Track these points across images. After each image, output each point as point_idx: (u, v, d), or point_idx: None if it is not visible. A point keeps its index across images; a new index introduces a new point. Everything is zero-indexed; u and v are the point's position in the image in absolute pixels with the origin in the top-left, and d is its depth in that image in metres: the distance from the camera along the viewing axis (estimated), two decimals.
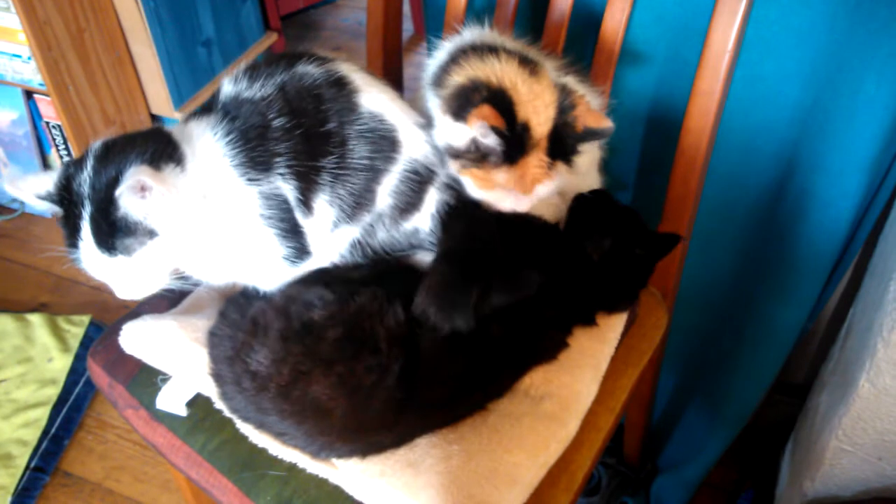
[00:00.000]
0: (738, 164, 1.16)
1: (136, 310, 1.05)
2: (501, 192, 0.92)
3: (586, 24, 1.13)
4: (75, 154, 2.01)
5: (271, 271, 0.91)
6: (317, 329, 0.84)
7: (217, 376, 0.89)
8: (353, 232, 0.92)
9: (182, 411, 0.95)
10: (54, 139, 2.07)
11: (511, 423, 0.89)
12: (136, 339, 0.96)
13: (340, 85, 0.87)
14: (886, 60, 0.97)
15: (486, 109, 0.86)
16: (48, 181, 0.80)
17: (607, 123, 0.92)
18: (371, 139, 0.88)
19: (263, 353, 0.83)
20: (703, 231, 1.21)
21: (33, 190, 0.80)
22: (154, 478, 1.60)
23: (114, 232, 0.78)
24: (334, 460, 0.87)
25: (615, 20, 1.06)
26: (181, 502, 1.55)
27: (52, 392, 1.71)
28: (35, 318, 1.85)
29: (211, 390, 0.91)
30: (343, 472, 0.86)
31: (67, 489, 1.59)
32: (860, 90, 1.00)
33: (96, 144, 0.82)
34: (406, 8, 2.58)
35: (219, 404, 0.91)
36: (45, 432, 1.65)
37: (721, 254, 1.27)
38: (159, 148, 0.81)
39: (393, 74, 1.30)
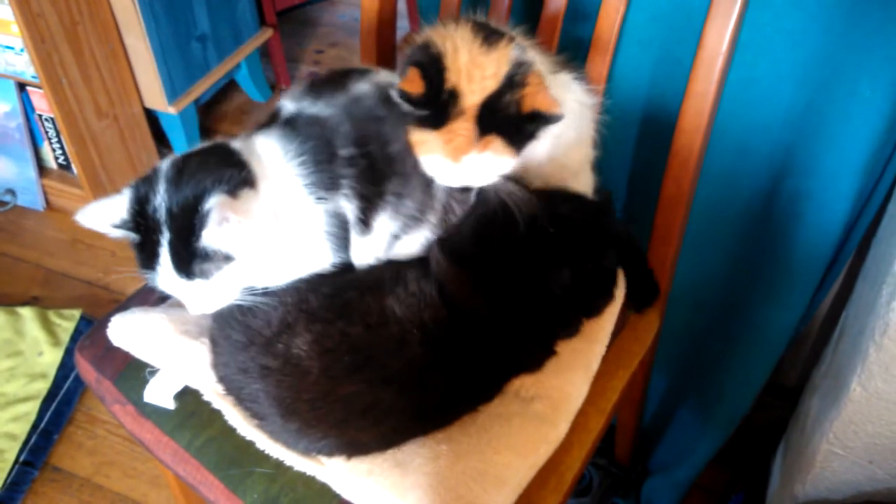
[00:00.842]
0: (731, 165, 1.15)
1: (126, 302, 1.04)
2: (438, 158, 0.89)
3: (581, 23, 1.13)
4: (68, 147, 2.00)
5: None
6: (316, 281, 0.88)
7: (213, 339, 0.90)
8: (415, 241, 0.94)
9: (170, 404, 0.95)
10: (47, 132, 2.06)
11: (500, 424, 0.88)
12: (124, 331, 0.96)
13: (392, 102, 0.89)
14: (881, 63, 0.97)
15: (410, 73, 0.85)
16: (120, 208, 0.80)
17: (557, 109, 0.88)
18: None
19: (261, 307, 0.86)
20: (695, 232, 1.21)
21: (108, 221, 0.80)
22: (143, 473, 1.59)
23: (193, 259, 0.79)
24: (322, 458, 0.86)
25: (609, 20, 1.06)
26: (170, 498, 1.54)
27: (42, 386, 1.70)
28: (26, 312, 1.84)
29: (200, 377, 0.91)
30: (330, 470, 0.85)
31: (56, 484, 1.58)
32: (854, 93, 1.00)
33: (165, 166, 0.82)
34: (402, 6, 2.57)
35: (205, 391, 0.91)
36: (35, 427, 1.64)
37: (714, 255, 1.26)
38: (234, 172, 0.81)
39: None
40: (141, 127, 2.19)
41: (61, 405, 1.69)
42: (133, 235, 0.80)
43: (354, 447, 0.85)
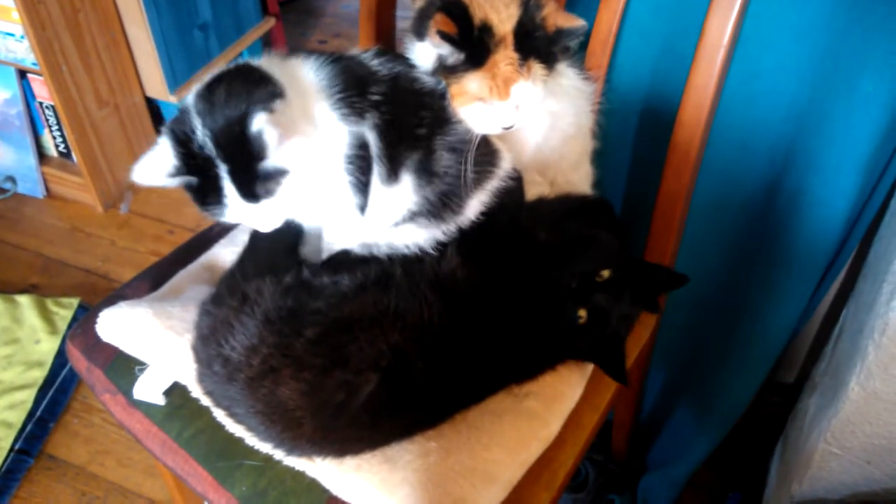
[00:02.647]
0: (733, 160, 1.14)
1: (116, 294, 1.03)
2: (481, 105, 0.89)
3: (581, 12, 1.12)
4: (68, 135, 1.99)
5: (345, 218, 0.91)
6: (298, 321, 0.82)
7: (195, 353, 0.87)
8: (423, 235, 0.92)
9: (159, 400, 0.94)
10: (47, 119, 2.05)
11: (492, 421, 0.87)
12: (112, 327, 0.95)
13: (444, 96, 0.89)
14: (884, 58, 0.95)
15: (438, 17, 0.84)
16: (167, 157, 0.79)
17: (579, 21, 0.89)
18: (461, 151, 0.89)
19: (239, 337, 0.82)
20: (696, 228, 1.20)
21: (162, 172, 0.79)
22: (138, 462, 1.59)
23: (255, 181, 0.78)
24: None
25: (610, 11, 1.04)
26: (165, 488, 1.54)
27: (39, 374, 1.70)
28: (24, 300, 1.83)
29: (188, 374, 0.90)
30: (319, 465, 0.85)
31: (51, 472, 1.58)
32: (857, 88, 0.98)
33: (191, 101, 0.80)
34: None
35: (194, 388, 0.90)
36: (31, 415, 1.64)
37: (713, 251, 1.25)
38: (262, 88, 0.80)
39: None
40: (142, 115, 2.18)
41: (57, 393, 1.69)
42: (190, 179, 0.79)
43: (346, 453, 0.84)
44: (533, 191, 1.04)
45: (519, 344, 0.90)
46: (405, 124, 0.87)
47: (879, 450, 1.08)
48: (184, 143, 0.78)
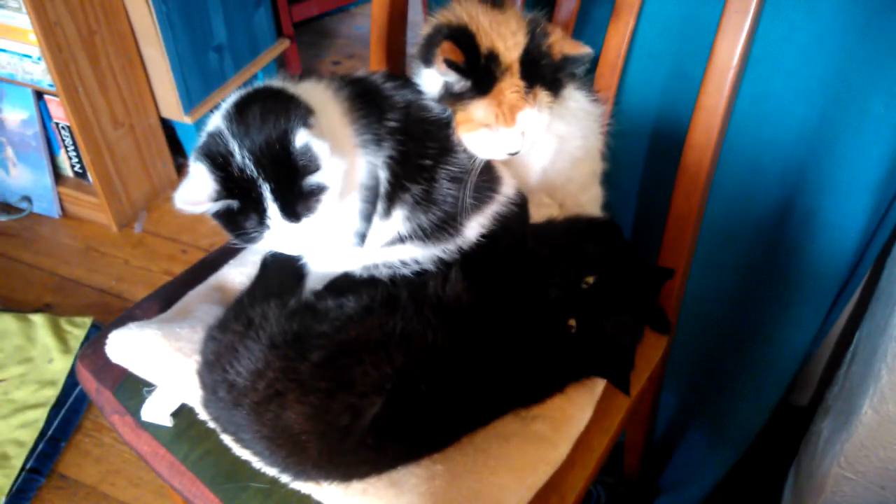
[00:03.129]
0: (744, 182, 1.13)
1: (126, 314, 1.04)
2: (487, 132, 0.89)
3: (591, 33, 1.12)
4: (83, 156, 2.01)
5: (337, 245, 0.91)
6: (303, 345, 0.82)
7: (200, 379, 0.87)
8: (420, 253, 0.93)
9: (167, 422, 0.94)
10: (63, 140, 2.07)
11: (499, 444, 0.87)
12: (121, 348, 0.96)
13: (448, 126, 0.90)
14: (894, 78, 0.94)
15: (445, 45, 0.85)
16: (206, 183, 0.78)
17: (585, 49, 0.90)
18: (461, 180, 0.90)
19: (245, 362, 0.82)
20: (707, 250, 1.19)
21: (204, 198, 0.77)
22: (149, 482, 1.59)
23: (298, 199, 0.78)
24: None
25: (619, 34, 1.05)
26: None
27: (52, 393, 1.70)
28: (38, 319, 1.85)
29: (195, 396, 0.90)
30: (326, 489, 0.84)
31: (62, 492, 1.58)
32: (868, 110, 0.98)
33: (223, 126, 0.80)
34: (419, 16, 2.57)
35: (200, 411, 0.90)
36: (43, 434, 1.64)
37: (725, 273, 1.24)
38: (294, 106, 0.80)
39: None
40: (157, 136, 2.20)
41: (69, 413, 1.69)
42: (231, 202, 0.78)
43: (352, 477, 0.84)
44: (542, 213, 1.04)
45: (524, 366, 0.89)
46: (414, 155, 0.88)
47: (894, 475, 1.07)
48: (222, 166, 0.78)
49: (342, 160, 0.80)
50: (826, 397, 1.27)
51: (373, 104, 0.88)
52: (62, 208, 2.20)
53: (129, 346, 0.95)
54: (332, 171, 0.79)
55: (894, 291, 1.02)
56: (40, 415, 1.66)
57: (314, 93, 0.86)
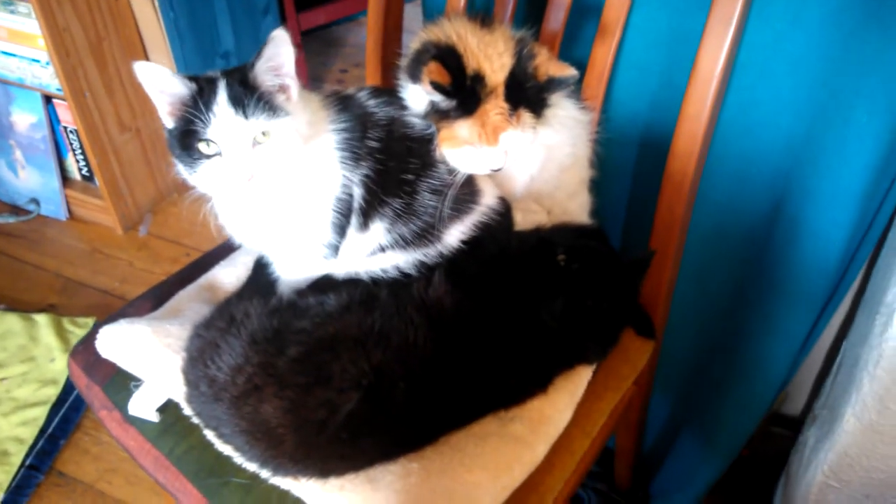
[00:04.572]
0: (731, 191, 1.14)
1: (119, 312, 1.06)
2: (470, 149, 0.91)
3: (579, 43, 1.13)
4: (91, 159, 2.04)
5: (305, 254, 0.94)
6: (282, 341, 0.84)
7: (184, 376, 0.89)
8: (401, 259, 0.95)
9: (153, 417, 0.96)
10: (71, 143, 2.11)
11: (475, 443, 0.88)
12: (111, 343, 0.97)
13: (433, 142, 0.93)
14: (879, 88, 0.95)
15: (432, 66, 0.87)
16: (176, 79, 0.82)
17: (570, 71, 0.92)
18: (441, 192, 0.93)
19: (226, 357, 0.83)
20: (695, 259, 1.20)
21: (172, 76, 0.82)
22: (145, 480, 1.60)
23: (249, 95, 0.82)
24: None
25: (605, 46, 1.06)
26: None
27: (52, 392, 1.73)
28: (41, 319, 1.87)
29: (180, 393, 0.91)
30: (304, 485, 0.85)
31: (60, 489, 1.60)
32: (851, 118, 0.98)
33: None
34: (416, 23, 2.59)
35: (185, 406, 0.91)
36: (43, 431, 1.66)
37: (713, 282, 1.25)
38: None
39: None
40: (163, 141, 2.19)
41: (70, 411, 1.71)
42: (191, 84, 0.82)
43: (329, 473, 0.85)
44: (529, 219, 1.05)
45: (505, 367, 0.90)
46: (394, 171, 0.91)
47: (877, 483, 1.07)
48: (195, 78, 0.83)
49: (306, 110, 0.85)
50: (814, 407, 1.27)
51: (356, 122, 0.91)
52: (69, 211, 2.23)
53: (119, 341, 0.97)
54: (294, 105, 0.84)
55: (878, 300, 1.02)
56: (41, 413, 1.68)
57: (306, 93, 0.90)
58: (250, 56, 0.84)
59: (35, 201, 2.23)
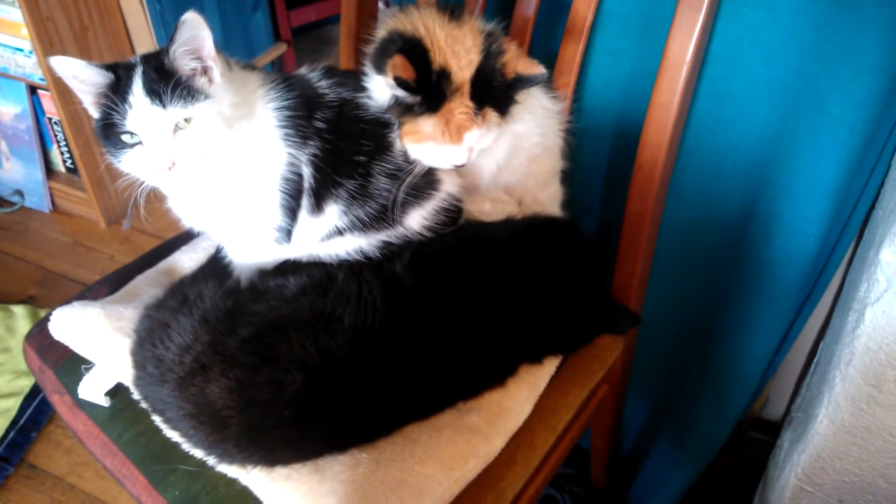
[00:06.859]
0: (706, 185, 1.11)
1: (76, 297, 1.04)
2: (433, 145, 0.89)
3: (551, 31, 1.11)
4: (74, 150, 2.03)
5: (255, 238, 0.92)
6: (234, 321, 0.82)
7: (132, 357, 0.87)
8: (363, 242, 0.93)
9: (102, 401, 0.94)
10: (56, 135, 2.09)
11: (430, 434, 0.85)
12: (64, 326, 0.96)
13: (388, 126, 0.91)
14: (852, 78, 0.92)
15: (397, 59, 0.84)
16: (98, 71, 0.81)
17: (539, 69, 0.90)
18: (397, 176, 0.91)
19: (175, 336, 0.82)
20: (670, 256, 1.17)
21: (93, 70, 0.80)
22: None
23: (165, 82, 0.80)
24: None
25: (576, 34, 1.03)
26: None
27: (26, 383, 1.70)
28: (19, 310, 1.85)
29: (130, 377, 0.89)
30: (251, 474, 0.83)
31: (30, 482, 1.58)
32: (825, 110, 0.96)
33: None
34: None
35: (133, 390, 0.89)
36: (14, 423, 1.64)
37: (688, 280, 1.22)
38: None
39: None
40: None
41: (43, 403, 1.69)
42: (109, 73, 0.80)
43: (276, 461, 0.83)
44: (499, 209, 1.03)
45: (465, 357, 0.88)
46: (345, 152, 0.89)
47: (851, 487, 1.04)
48: (112, 67, 0.82)
49: (231, 91, 0.83)
50: (791, 409, 1.25)
51: (301, 100, 0.88)
52: (53, 203, 2.22)
53: (71, 324, 0.95)
54: (218, 89, 0.82)
55: (851, 298, 0.99)
56: (13, 404, 1.66)
57: (242, 73, 0.88)
58: (239, 52, 0.82)
59: (19, 193, 2.21)
